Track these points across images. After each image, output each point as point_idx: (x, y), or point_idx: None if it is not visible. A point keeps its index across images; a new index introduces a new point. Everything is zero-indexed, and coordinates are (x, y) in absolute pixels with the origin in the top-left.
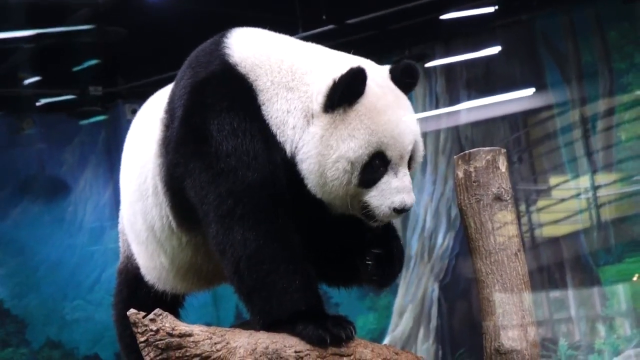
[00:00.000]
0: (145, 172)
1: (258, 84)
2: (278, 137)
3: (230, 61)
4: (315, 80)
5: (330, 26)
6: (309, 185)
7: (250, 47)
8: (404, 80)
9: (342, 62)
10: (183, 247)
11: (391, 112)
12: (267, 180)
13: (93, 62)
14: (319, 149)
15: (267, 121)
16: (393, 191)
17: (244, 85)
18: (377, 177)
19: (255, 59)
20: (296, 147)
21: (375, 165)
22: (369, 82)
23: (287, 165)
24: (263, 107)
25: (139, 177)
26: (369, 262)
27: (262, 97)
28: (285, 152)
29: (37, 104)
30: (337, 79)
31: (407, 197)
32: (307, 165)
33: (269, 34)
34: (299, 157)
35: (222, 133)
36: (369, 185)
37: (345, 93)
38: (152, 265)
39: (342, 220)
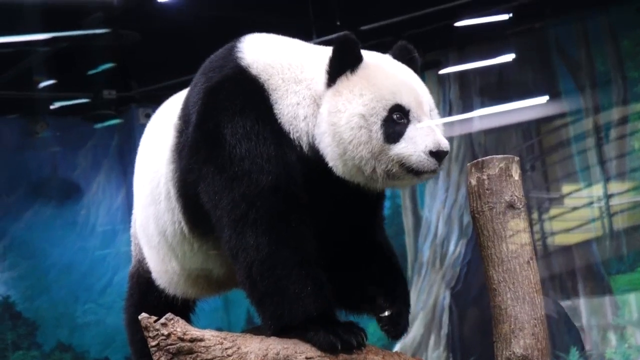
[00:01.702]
0: (158, 177)
1: (270, 83)
2: (292, 134)
3: (243, 64)
4: (319, 67)
5: (345, 32)
6: (332, 166)
7: (262, 49)
8: (405, 57)
9: (325, 54)
10: (195, 253)
11: (398, 69)
12: (281, 184)
13: (107, 65)
14: (329, 120)
15: (280, 120)
16: (423, 135)
17: (256, 86)
18: (402, 129)
19: (268, 60)
20: (313, 135)
21: (396, 119)
22: (369, 55)
23: (306, 162)
24: (275, 106)
25: (152, 181)
26: (382, 326)
27: (275, 96)
28: (301, 148)
29: (51, 107)
30: (334, 48)
31: (440, 138)
32: (324, 143)
33: (281, 38)
34: (316, 141)
35: (236, 136)
36: (396, 138)
37: (342, 59)
38: (164, 269)
39: (354, 247)
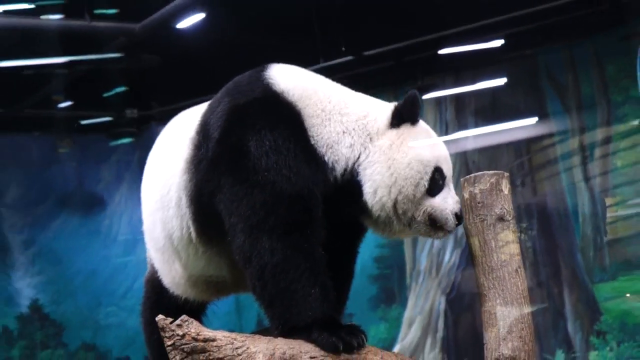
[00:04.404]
0: (169, 185)
1: (307, 111)
2: (327, 156)
3: (275, 89)
4: (372, 109)
5: (349, 57)
6: (368, 192)
7: (293, 80)
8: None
9: (379, 101)
10: (198, 257)
11: (438, 138)
12: (304, 195)
13: (129, 87)
14: (388, 154)
15: (314, 143)
16: (452, 200)
17: (291, 110)
18: (439, 188)
19: (304, 91)
20: (356, 161)
21: (436, 178)
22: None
23: (332, 183)
24: (312, 130)
25: (162, 189)
26: None
27: (311, 122)
28: (333, 170)
29: (77, 125)
30: (406, 100)
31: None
32: (373, 170)
33: (303, 70)
34: (362, 167)
35: (262, 149)
36: (433, 193)
37: (410, 110)
38: (167, 270)
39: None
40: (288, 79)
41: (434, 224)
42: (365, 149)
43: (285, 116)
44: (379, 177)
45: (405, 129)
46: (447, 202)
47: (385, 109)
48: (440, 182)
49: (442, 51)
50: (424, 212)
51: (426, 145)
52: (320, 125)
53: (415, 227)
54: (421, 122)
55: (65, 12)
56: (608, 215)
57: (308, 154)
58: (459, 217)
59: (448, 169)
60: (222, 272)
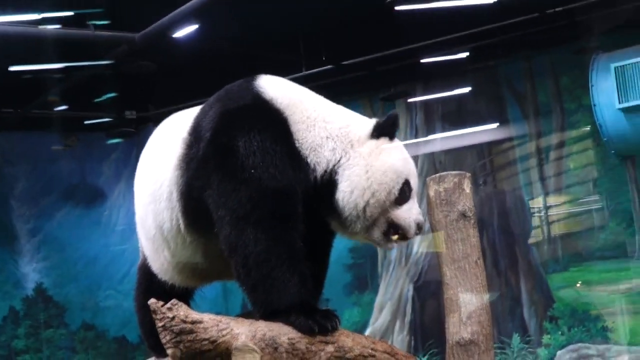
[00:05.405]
0: (161, 180)
1: (294, 117)
2: (310, 158)
3: (264, 97)
4: (354, 120)
5: (329, 66)
6: (342, 190)
7: (281, 89)
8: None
9: (359, 115)
10: (186, 246)
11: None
12: (287, 192)
13: (128, 91)
14: (367, 160)
15: (299, 146)
16: (416, 211)
17: (278, 116)
18: (405, 199)
19: (290, 100)
20: (337, 163)
21: (405, 190)
22: None
23: (312, 183)
24: (297, 134)
25: (155, 183)
26: None
27: (296, 127)
28: (314, 170)
29: (81, 124)
30: (387, 117)
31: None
32: (352, 171)
33: (290, 82)
34: (341, 168)
35: (250, 149)
36: (401, 202)
37: (390, 126)
38: (157, 257)
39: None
40: (276, 88)
41: (395, 230)
42: (346, 153)
43: (273, 121)
44: (356, 178)
45: (383, 142)
46: (411, 211)
47: (366, 122)
48: (408, 193)
49: (412, 62)
50: (388, 218)
51: (400, 159)
52: (306, 131)
53: (371, 232)
54: (396, 140)
55: (69, 23)
56: (561, 212)
57: (293, 156)
58: (419, 227)
59: (415, 184)
60: (206, 260)
